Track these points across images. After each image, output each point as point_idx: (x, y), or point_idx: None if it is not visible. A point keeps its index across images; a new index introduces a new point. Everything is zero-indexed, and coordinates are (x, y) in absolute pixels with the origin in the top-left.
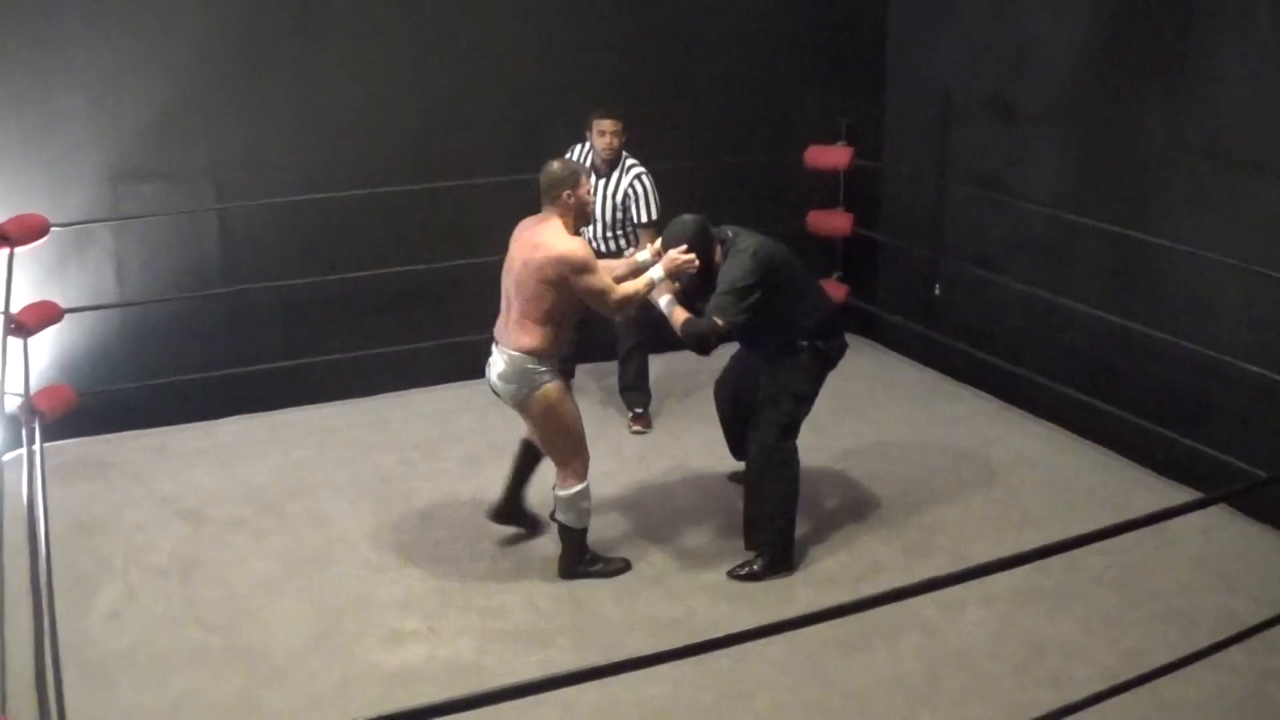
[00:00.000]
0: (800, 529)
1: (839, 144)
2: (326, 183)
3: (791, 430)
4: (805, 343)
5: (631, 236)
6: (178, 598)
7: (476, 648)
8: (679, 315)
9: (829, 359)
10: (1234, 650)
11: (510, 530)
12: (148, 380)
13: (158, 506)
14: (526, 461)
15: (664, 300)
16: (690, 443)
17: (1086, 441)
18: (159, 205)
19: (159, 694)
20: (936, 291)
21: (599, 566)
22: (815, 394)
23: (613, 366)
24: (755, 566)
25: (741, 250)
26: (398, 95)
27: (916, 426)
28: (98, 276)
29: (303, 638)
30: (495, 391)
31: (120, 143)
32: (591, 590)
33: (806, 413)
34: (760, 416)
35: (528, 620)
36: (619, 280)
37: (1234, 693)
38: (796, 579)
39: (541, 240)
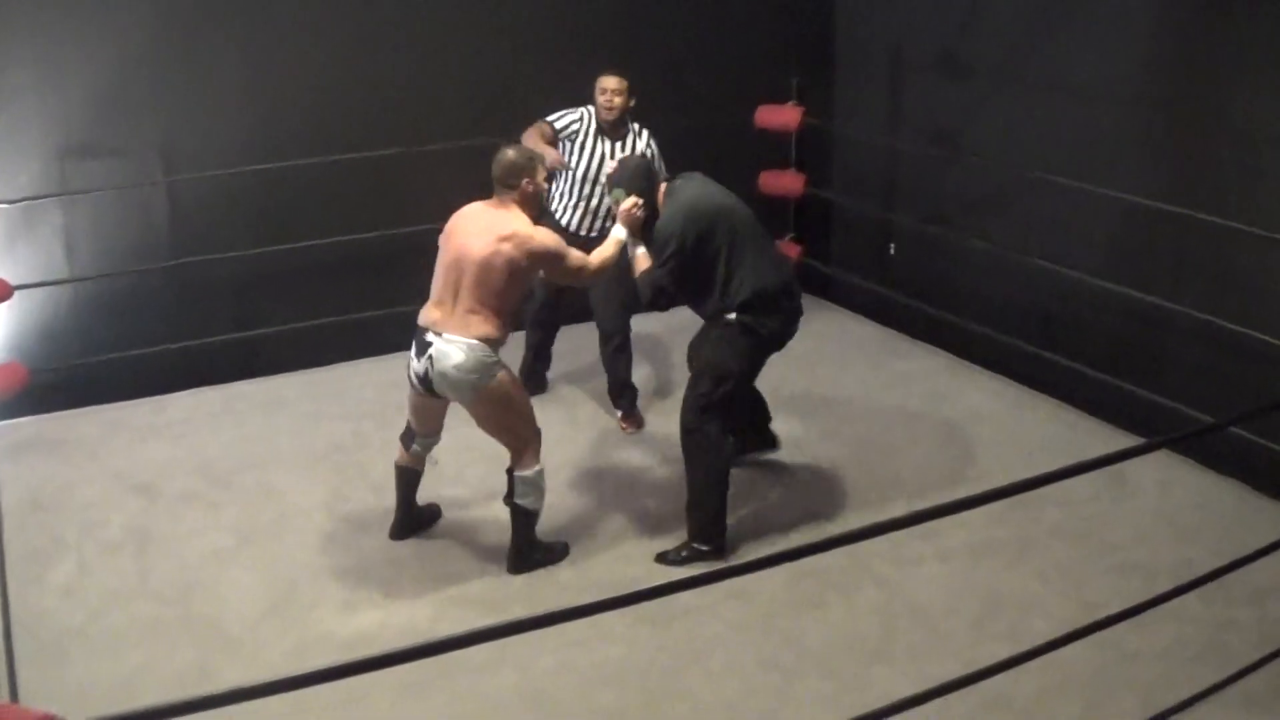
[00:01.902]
0: (754, 487)
1: (790, 104)
2: (275, 153)
3: (711, 411)
4: (733, 315)
5: None
6: (131, 572)
7: (432, 614)
8: (641, 264)
9: (762, 339)
10: (1193, 601)
11: (461, 496)
12: (99, 356)
13: (111, 482)
14: (410, 483)
15: (637, 249)
16: (650, 411)
17: (1041, 395)
18: (107, 180)
19: (114, 668)
20: (891, 250)
21: (543, 554)
22: (742, 373)
23: None
24: (683, 553)
25: (674, 206)
26: (346, 65)
27: (871, 384)
28: (47, 253)
29: (257, 608)
30: (436, 385)
31: (68, 118)
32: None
33: (729, 392)
34: (686, 398)
35: (483, 587)
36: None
37: (1193, 642)
38: (748, 537)
39: (511, 231)
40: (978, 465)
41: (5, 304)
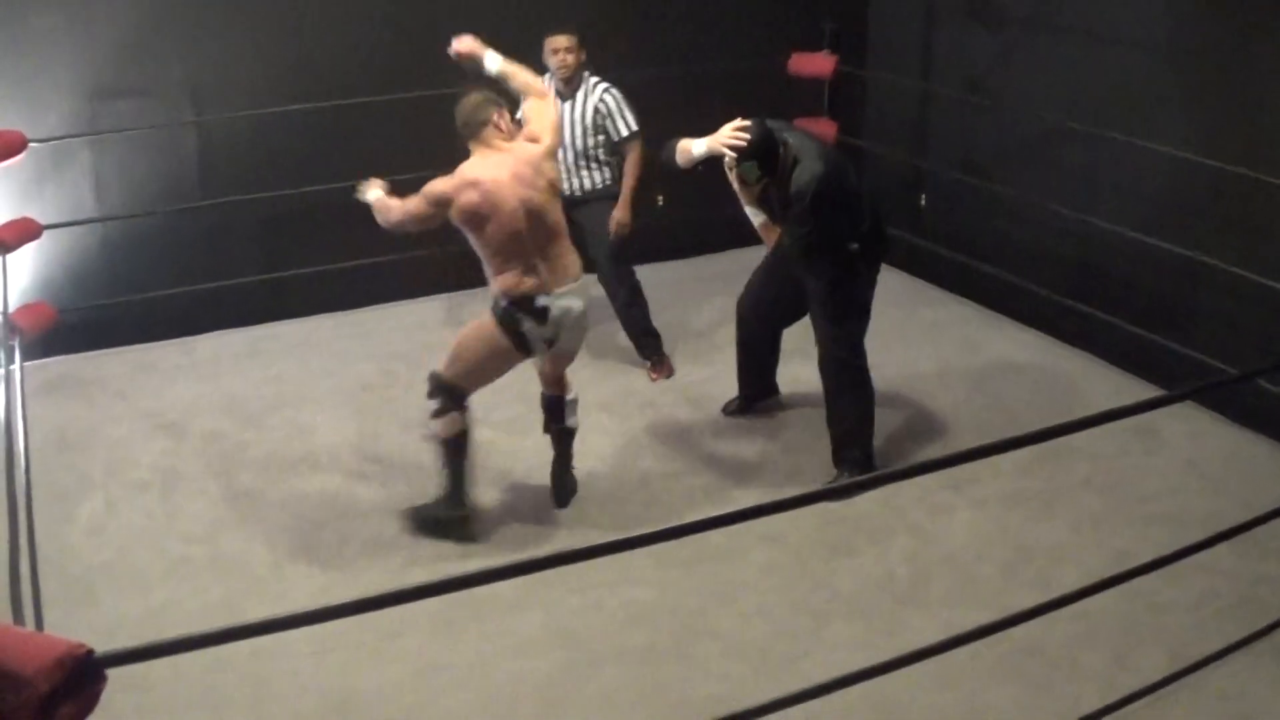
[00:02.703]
0: (785, 436)
1: (823, 51)
2: (305, 93)
3: (861, 343)
4: (856, 245)
5: (606, 165)
6: (158, 511)
7: (460, 552)
8: (771, 234)
9: (873, 258)
10: (1225, 554)
11: (490, 437)
12: (127, 296)
13: (138, 422)
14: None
15: (758, 219)
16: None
17: (1072, 347)
18: (136, 120)
19: (140, 605)
20: (923, 201)
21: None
22: (867, 304)
23: None
24: (843, 479)
25: (808, 162)
26: (378, 4)
27: (902, 334)
28: (76, 193)
29: (284, 547)
30: (563, 340)
31: (96, 59)
32: (578, 498)
33: (861, 324)
34: (826, 334)
35: (512, 525)
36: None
37: (1225, 595)
38: (780, 481)
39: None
40: (1008, 415)
41: (34, 244)
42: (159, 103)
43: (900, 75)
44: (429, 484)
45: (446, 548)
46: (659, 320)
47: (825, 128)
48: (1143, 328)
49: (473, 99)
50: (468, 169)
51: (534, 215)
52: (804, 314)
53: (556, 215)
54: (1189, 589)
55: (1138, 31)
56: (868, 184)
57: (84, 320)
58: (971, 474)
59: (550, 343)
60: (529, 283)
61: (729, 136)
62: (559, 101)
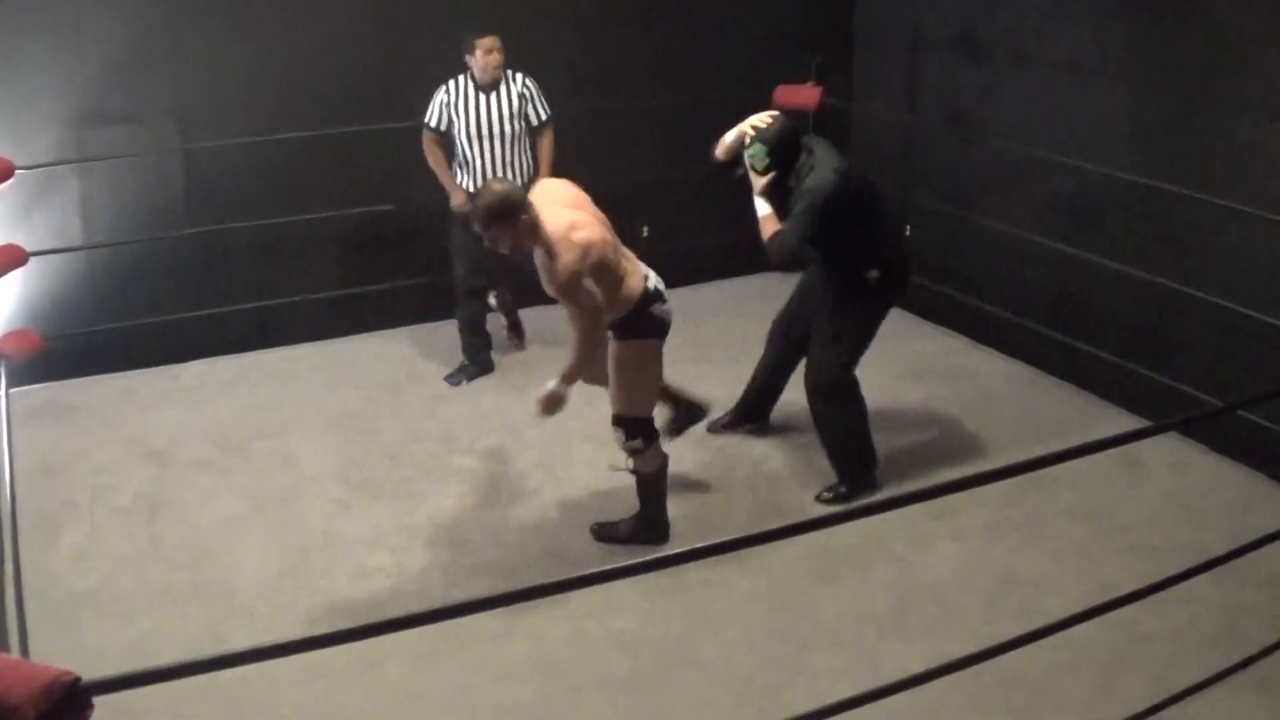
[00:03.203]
0: (769, 465)
1: (808, 83)
2: (292, 121)
3: (850, 368)
4: (875, 273)
5: (528, 151)
6: (143, 537)
7: (444, 581)
8: (770, 226)
9: (886, 300)
10: (1206, 584)
11: (474, 466)
12: (114, 324)
13: (123, 448)
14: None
15: (764, 209)
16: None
17: (1056, 378)
18: (124, 147)
19: (124, 632)
20: (908, 232)
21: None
22: (872, 334)
23: None
24: (841, 489)
25: (825, 167)
26: (365, 35)
27: (885, 363)
28: (63, 219)
29: (268, 574)
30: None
31: (84, 86)
32: (559, 524)
33: (858, 350)
34: (818, 350)
35: (495, 554)
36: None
37: (1206, 625)
38: (765, 512)
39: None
40: (992, 446)
41: (21, 270)
42: (146, 130)
43: (886, 107)
44: (414, 512)
45: (431, 575)
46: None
47: None
48: (1126, 358)
49: (497, 190)
50: (558, 226)
51: (606, 225)
52: None
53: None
54: (1171, 619)
55: (1119, 65)
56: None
57: (69, 347)
58: (955, 504)
59: (670, 316)
60: (637, 276)
61: (754, 118)
62: (479, 94)
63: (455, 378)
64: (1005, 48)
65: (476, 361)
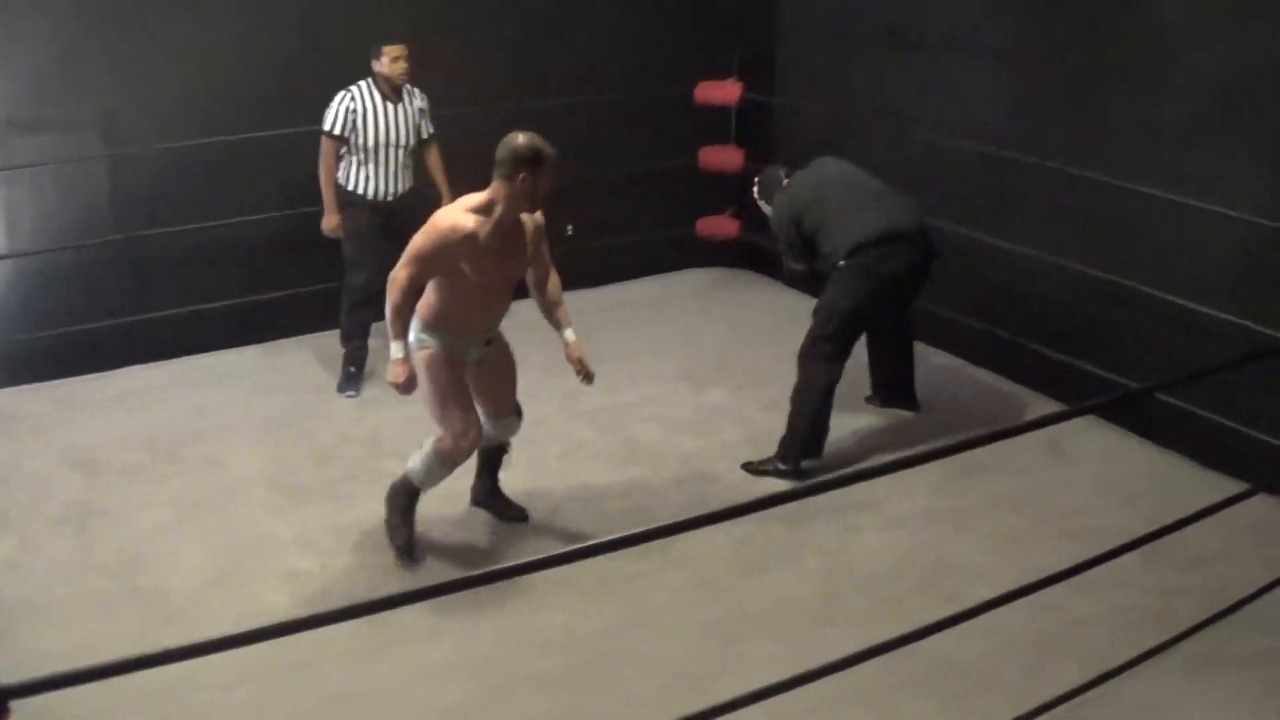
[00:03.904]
0: (696, 463)
1: (730, 79)
2: (218, 127)
3: (819, 343)
4: (843, 262)
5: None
6: (76, 545)
7: (372, 584)
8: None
9: (878, 278)
10: (1136, 567)
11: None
12: (42, 332)
13: (55, 457)
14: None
15: None
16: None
17: (985, 370)
18: (49, 154)
19: (59, 640)
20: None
21: (401, 534)
22: (850, 310)
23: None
24: (765, 466)
25: (777, 201)
26: (288, 38)
27: None
28: None
29: (200, 579)
30: None
31: (8, 93)
32: (484, 524)
33: (843, 327)
34: (809, 328)
35: (426, 556)
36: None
37: (1136, 608)
38: (696, 508)
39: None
40: (920, 438)
41: None
42: (72, 137)
43: (809, 101)
44: (343, 514)
45: (360, 577)
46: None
47: (730, 156)
48: (1057, 349)
49: (519, 145)
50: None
51: None
52: (903, 310)
53: None
54: (1101, 603)
55: (1045, 55)
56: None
57: (0, 356)
58: (883, 495)
59: None
60: None
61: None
62: (384, 104)
63: (350, 388)
64: (929, 39)
65: (359, 364)
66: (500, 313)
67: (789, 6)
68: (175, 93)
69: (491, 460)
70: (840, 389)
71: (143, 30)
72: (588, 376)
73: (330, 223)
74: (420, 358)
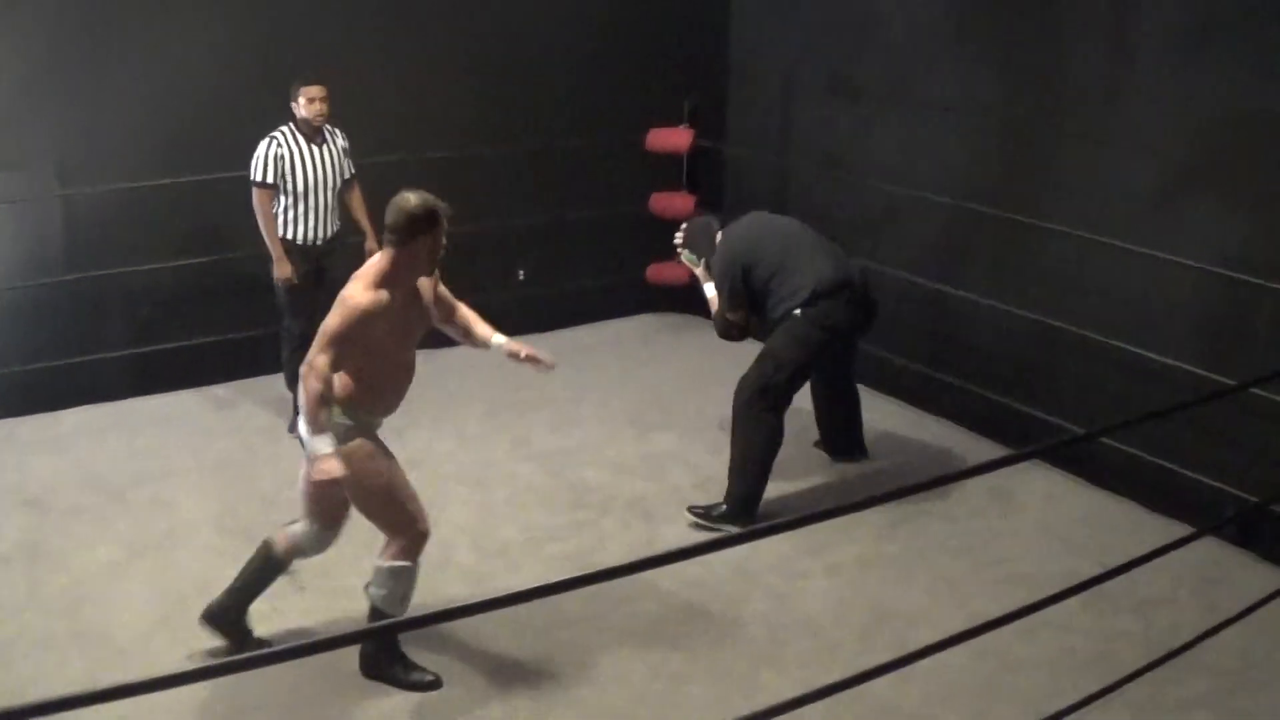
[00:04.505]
0: (644, 505)
1: (681, 126)
2: (171, 167)
3: (767, 392)
4: (798, 311)
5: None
6: (21, 584)
7: (322, 627)
8: (714, 305)
9: (826, 329)
10: (1079, 612)
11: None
12: None
13: (1, 496)
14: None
15: (709, 292)
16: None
17: (930, 415)
18: (1, 193)
19: (3, 679)
20: None
21: (401, 672)
22: (799, 361)
23: None
24: (712, 513)
25: (720, 250)
26: (240, 81)
27: None
28: None
29: (146, 620)
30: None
31: None
32: (433, 566)
33: (787, 378)
34: (747, 373)
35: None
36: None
37: (1080, 652)
38: (644, 550)
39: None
40: (871, 482)
41: None
42: (23, 176)
43: (760, 148)
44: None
45: (309, 622)
46: (525, 392)
47: (682, 202)
48: (1003, 395)
49: (410, 207)
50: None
51: None
52: (847, 361)
53: None
54: (1044, 647)
55: (983, 105)
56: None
57: None
58: (828, 540)
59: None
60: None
61: (676, 237)
62: (309, 145)
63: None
64: (875, 89)
65: None
66: (411, 378)
67: (739, 54)
68: (128, 134)
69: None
70: (783, 436)
71: (95, 70)
72: (542, 362)
73: (283, 271)
74: (350, 454)
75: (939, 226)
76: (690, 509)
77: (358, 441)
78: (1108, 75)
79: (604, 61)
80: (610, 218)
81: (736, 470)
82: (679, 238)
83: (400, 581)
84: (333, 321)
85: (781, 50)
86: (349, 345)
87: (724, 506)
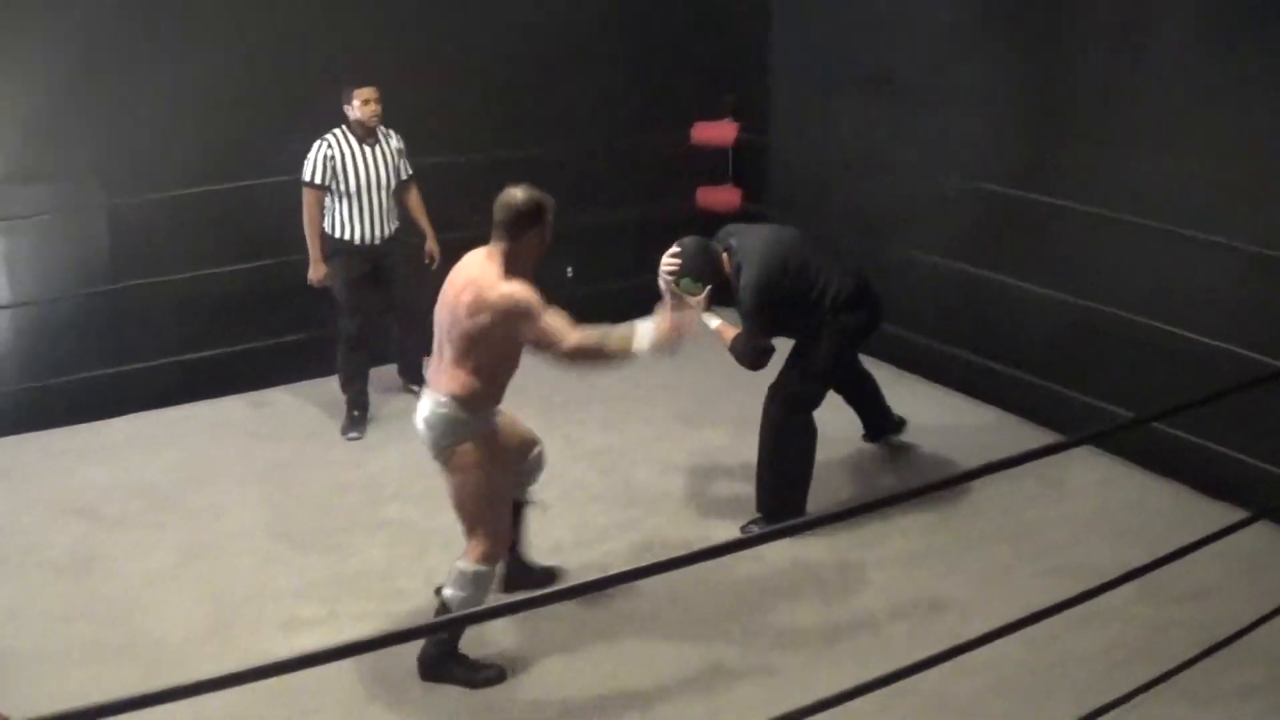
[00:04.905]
0: (695, 498)
1: (726, 119)
2: (215, 175)
3: (800, 404)
4: (829, 319)
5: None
6: (74, 594)
7: (376, 631)
8: (727, 334)
9: (851, 333)
10: (1132, 600)
11: (402, 515)
12: (39, 381)
13: (52, 506)
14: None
15: (713, 323)
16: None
17: (979, 402)
18: (48, 205)
19: (57, 688)
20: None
21: (463, 671)
22: (831, 371)
23: None
24: (755, 529)
25: (750, 270)
26: (284, 83)
27: None
28: None
29: (199, 628)
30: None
31: (8, 143)
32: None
33: (825, 387)
34: (773, 388)
35: (427, 601)
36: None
37: (1132, 642)
38: (688, 547)
39: (476, 281)
40: (919, 473)
41: None
42: (70, 187)
43: (801, 142)
44: (344, 562)
45: (361, 626)
46: (576, 389)
47: (728, 196)
48: (1050, 380)
49: (517, 201)
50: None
51: (443, 312)
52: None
53: (458, 331)
54: (1097, 637)
55: (1027, 92)
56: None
57: None
58: (881, 532)
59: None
60: (430, 363)
61: (663, 267)
62: (361, 146)
63: (355, 430)
64: (914, 82)
65: (363, 407)
66: None
67: (780, 49)
68: (169, 142)
69: (517, 524)
70: (832, 429)
71: (140, 79)
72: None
73: (317, 273)
74: (466, 450)
75: (981, 214)
76: (743, 527)
77: (480, 439)
78: (1149, 60)
79: (647, 58)
80: (656, 213)
81: (782, 489)
82: (671, 265)
83: (479, 587)
84: (537, 305)
85: (822, 43)
86: (508, 341)
87: (762, 524)
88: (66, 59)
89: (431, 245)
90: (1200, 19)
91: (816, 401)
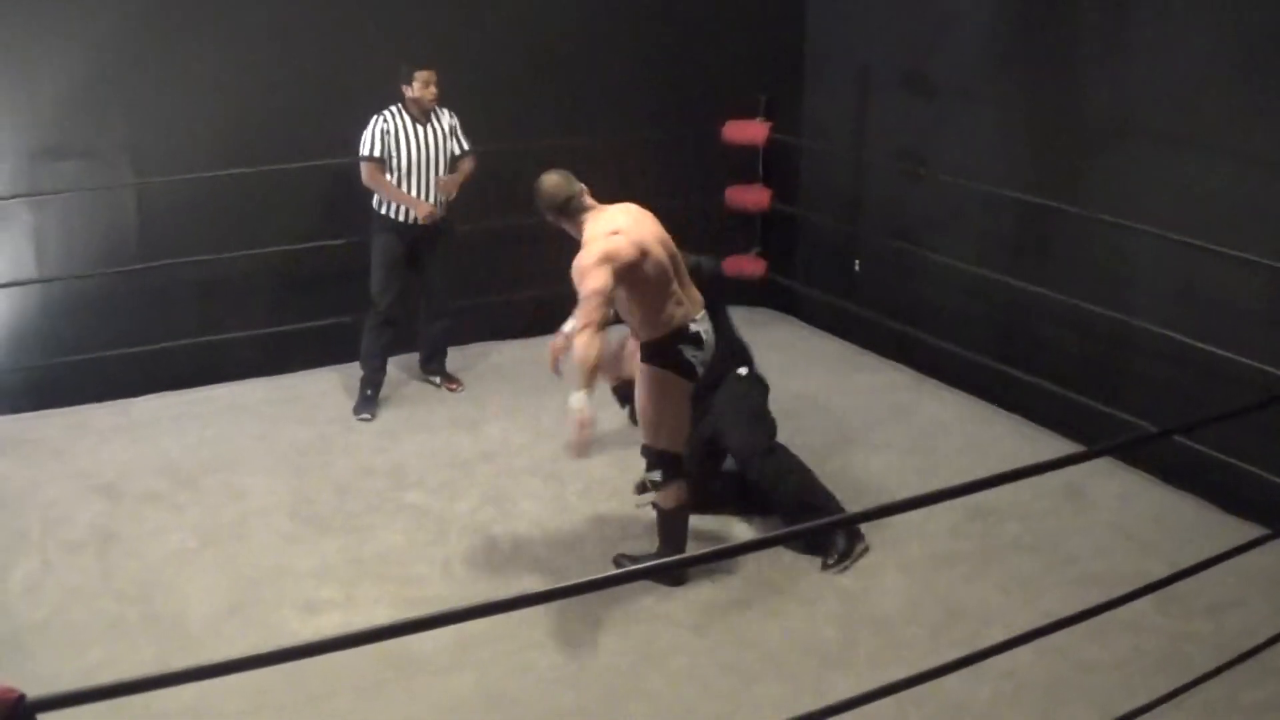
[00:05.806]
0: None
1: (757, 119)
2: (244, 158)
3: (757, 449)
4: (744, 371)
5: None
6: (94, 570)
7: (392, 615)
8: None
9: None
10: (1151, 613)
11: (424, 501)
12: (64, 358)
13: (74, 482)
14: None
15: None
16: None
17: (1003, 410)
18: (77, 182)
19: (75, 664)
20: (857, 267)
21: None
22: (744, 408)
23: None
24: (833, 557)
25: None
26: (315, 70)
27: (833, 398)
28: (16, 253)
29: (218, 607)
30: (709, 363)
31: (38, 120)
32: (508, 559)
33: (758, 426)
34: (736, 443)
35: (444, 587)
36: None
37: (1151, 653)
38: (707, 546)
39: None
40: (938, 478)
41: None
42: (100, 165)
43: (834, 143)
44: (363, 546)
45: (379, 608)
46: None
47: (758, 195)
48: (1074, 391)
49: (554, 179)
50: (603, 225)
51: (669, 248)
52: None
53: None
54: (1116, 648)
55: (1061, 101)
56: (802, 253)
57: (21, 381)
58: (901, 537)
59: (704, 366)
60: (680, 313)
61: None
62: (415, 125)
63: (366, 410)
64: (948, 85)
65: (376, 386)
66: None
67: (815, 49)
68: (200, 123)
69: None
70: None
71: (170, 59)
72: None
73: (423, 210)
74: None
75: (1010, 222)
76: (824, 566)
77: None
78: (1181, 72)
79: (681, 55)
80: (686, 211)
81: (806, 514)
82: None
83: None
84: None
85: (856, 45)
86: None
87: (834, 551)
88: (103, 37)
89: (450, 182)
90: (1230, 34)
91: (769, 436)
